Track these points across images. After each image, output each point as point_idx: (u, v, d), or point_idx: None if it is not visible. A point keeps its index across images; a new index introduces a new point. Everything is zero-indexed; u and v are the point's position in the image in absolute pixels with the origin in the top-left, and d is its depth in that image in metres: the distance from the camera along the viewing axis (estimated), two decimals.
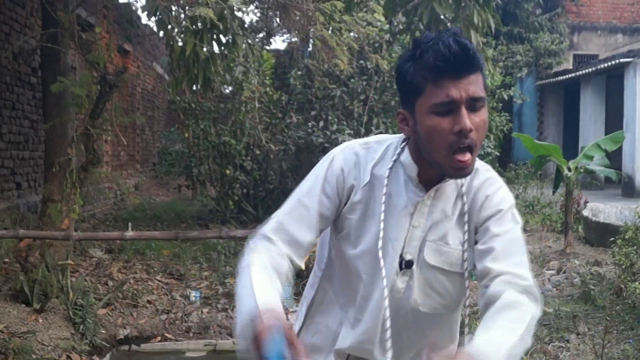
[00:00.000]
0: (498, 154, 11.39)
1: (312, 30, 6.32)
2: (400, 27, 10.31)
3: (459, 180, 1.66)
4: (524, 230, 6.80)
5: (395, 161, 1.69)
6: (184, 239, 5.70)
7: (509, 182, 11.53)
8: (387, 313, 1.65)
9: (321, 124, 9.73)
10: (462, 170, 1.56)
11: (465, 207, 1.67)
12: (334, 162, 1.72)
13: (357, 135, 9.92)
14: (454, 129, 1.51)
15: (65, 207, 5.83)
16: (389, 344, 1.61)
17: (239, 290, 1.54)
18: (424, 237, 1.67)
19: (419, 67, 1.54)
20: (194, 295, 6.49)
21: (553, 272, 6.80)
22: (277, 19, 9.24)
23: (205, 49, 5.47)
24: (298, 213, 1.69)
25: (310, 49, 10.00)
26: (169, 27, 5.64)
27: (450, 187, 1.67)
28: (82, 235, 5.90)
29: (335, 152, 1.75)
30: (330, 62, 6.50)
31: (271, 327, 1.38)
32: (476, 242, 1.67)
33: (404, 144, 1.70)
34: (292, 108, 10.11)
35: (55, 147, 6.28)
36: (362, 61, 10.03)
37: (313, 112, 10.02)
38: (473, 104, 1.52)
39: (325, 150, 9.87)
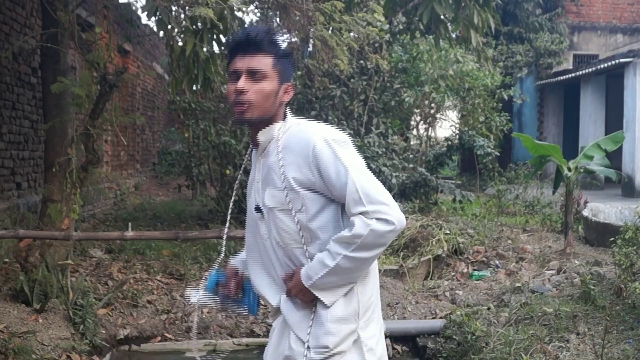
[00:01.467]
0: (498, 154, 11.40)
1: (312, 30, 6.31)
2: (400, 27, 10.32)
3: (276, 139, 2.17)
4: (524, 230, 6.73)
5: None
6: (184, 239, 5.69)
7: (509, 182, 11.55)
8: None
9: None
10: (238, 117, 2.15)
11: (278, 157, 2.13)
12: None
13: (357, 135, 9.92)
14: (234, 90, 2.12)
15: (65, 207, 5.82)
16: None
17: None
18: (262, 187, 2.19)
19: (228, 51, 2.20)
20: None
21: (553, 272, 6.81)
22: (277, 19, 9.23)
23: (205, 49, 5.46)
24: None
25: (310, 49, 10.00)
26: (169, 27, 5.63)
27: (273, 145, 2.18)
28: (82, 235, 5.89)
29: None
30: (330, 62, 6.49)
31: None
32: (311, 184, 2.09)
33: None
34: (292, 108, 10.11)
35: (55, 147, 6.27)
36: (362, 61, 10.03)
37: (313, 112, 10.02)
38: (253, 75, 2.11)
39: None
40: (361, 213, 2.01)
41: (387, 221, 2.01)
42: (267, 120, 2.17)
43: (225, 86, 10.08)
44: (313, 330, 2.11)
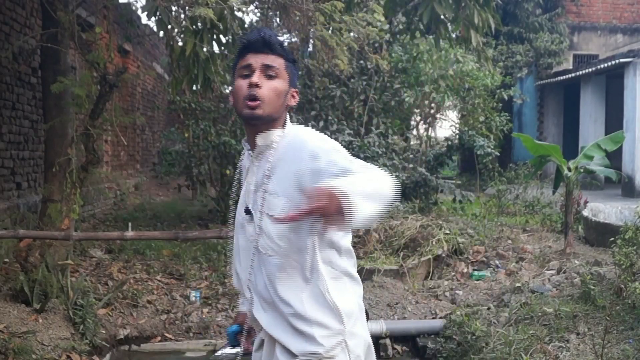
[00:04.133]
0: (498, 154, 11.38)
1: (312, 30, 6.31)
2: (400, 27, 10.31)
3: (270, 145, 2.13)
4: (524, 230, 6.69)
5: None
6: (184, 239, 5.69)
7: (509, 182, 11.55)
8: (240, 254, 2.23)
9: (321, 124, 9.73)
10: (250, 111, 2.09)
11: (267, 164, 2.12)
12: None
13: (357, 135, 9.92)
14: (248, 84, 2.08)
15: (65, 207, 5.82)
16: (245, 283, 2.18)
17: None
18: (258, 191, 2.13)
19: (238, 49, 2.19)
20: (194, 295, 6.48)
21: (553, 272, 6.79)
22: (277, 19, 9.23)
23: (205, 49, 5.46)
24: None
25: (310, 49, 9.98)
26: (169, 27, 5.63)
27: (268, 151, 2.13)
28: (82, 235, 5.90)
29: None
30: (331, 62, 6.49)
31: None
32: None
33: None
34: (293, 108, 10.09)
35: (55, 147, 6.27)
36: (362, 61, 10.02)
37: (313, 112, 10.01)
38: (266, 72, 2.10)
39: None
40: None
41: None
42: (271, 122, 2.13)
43: (225, 86, 10.13)
44: (300, 340, 2.06)
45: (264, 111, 2.08)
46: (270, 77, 2.10)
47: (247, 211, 2.17)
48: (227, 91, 10.55)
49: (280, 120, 2.16)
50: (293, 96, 2.19)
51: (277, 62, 2.12)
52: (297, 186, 2.01)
